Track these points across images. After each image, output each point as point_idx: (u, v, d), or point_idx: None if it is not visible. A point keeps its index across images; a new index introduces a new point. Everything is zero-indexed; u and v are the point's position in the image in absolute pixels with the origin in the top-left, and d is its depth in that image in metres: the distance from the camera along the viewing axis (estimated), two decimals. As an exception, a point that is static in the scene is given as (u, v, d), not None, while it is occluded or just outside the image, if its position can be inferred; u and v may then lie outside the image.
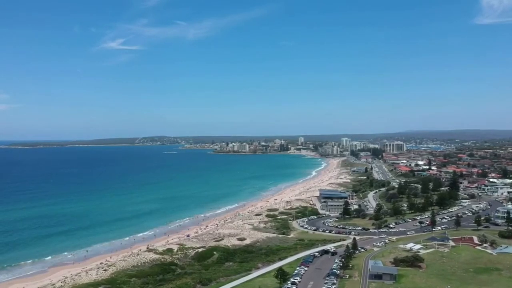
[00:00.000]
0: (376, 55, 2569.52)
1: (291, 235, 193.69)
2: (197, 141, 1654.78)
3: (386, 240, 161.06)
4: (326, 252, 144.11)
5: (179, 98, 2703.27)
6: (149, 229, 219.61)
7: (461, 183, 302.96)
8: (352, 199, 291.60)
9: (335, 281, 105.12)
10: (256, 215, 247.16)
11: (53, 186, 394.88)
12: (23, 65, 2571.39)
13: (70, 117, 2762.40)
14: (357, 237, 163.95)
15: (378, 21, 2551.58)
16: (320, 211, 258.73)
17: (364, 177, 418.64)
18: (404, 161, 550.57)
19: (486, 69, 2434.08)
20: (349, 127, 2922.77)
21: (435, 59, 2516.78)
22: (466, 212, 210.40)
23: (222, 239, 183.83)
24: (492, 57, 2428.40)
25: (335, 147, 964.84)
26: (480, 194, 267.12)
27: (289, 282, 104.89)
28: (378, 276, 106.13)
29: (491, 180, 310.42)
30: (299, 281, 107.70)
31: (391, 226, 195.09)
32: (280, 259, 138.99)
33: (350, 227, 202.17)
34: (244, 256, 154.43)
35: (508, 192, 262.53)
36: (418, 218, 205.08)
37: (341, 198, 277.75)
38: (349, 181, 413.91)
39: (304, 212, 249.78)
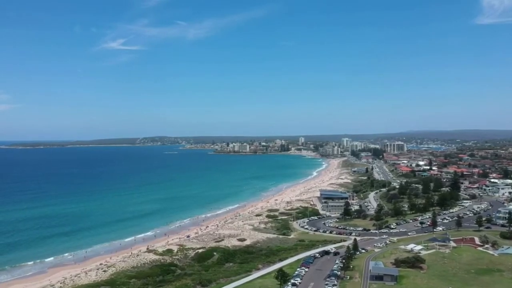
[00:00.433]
0: (376, 55, 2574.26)
1: (292, 236, 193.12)
2: (197, 141, 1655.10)
3: (387, 241, 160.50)
4: (326, 253, 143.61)
5: (180, 98, 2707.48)
6: (149, 230, 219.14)
7: (462, 183, 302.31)
8: (353, 199, 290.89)
9: (335, 282, 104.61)
10: (257, 215, 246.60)
11: (53, 187, 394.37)
12: (23, 65, 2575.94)
13: (70, 117, 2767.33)
14: (358, 238, 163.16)
15: (378, 21, 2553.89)
16: (321, 212, 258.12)
17: (365, 178, 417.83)
18: (405, 161, 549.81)
19: (487, 69, 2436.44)
20: (350, 127, 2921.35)
21: (436, 59, 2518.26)
22: (467, 213, 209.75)
23: (222, 239, 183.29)
24: (493, 57, 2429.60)
25: (336, 147, 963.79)
26: (481, 194, 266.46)
27: (289, 283, 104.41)
28: (379, 277, 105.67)
29: (492, 180, 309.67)
30: (300, 282, 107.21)
31: (392, 226, 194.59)
32: (281, 260, 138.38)
33: (351, 228, 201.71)
34: (244, 257, 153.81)
35: (509, 193, 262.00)
36: (419, 219, 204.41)
37: (342, 198, 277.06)
38: (349, 181, 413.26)
39: (305, 212, 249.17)
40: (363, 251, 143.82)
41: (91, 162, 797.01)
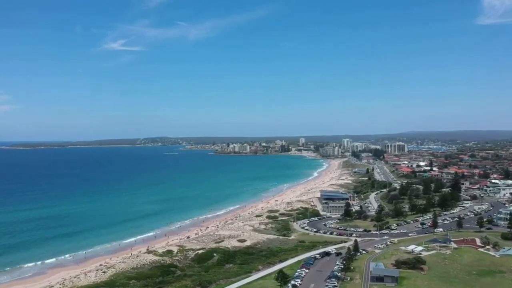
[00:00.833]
0: (377, 55, 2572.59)
1: (292, 237, 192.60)
2: (198, 142, 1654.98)
3: (388, 242, 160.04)
4: (327, 254, 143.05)
5: (180, 99, 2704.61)
6: (149, 231, 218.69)
7: (463, 184, 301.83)
8: (353, 200, 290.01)
9: (336, 284, 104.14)
10: (257, 216, 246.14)
11: (53, 187, 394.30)
12: (24, 66, 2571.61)
13: (71, 117, 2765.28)
14: (359, 239, 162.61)
15: (379, 22, 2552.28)
16: (321, 213, 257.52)
17: (366, 178, 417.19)
18: (405, 162, 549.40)
19: (488, 69, 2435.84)
20: (350, 128, 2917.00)
21: (436, 59, 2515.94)
22: (468, 214, 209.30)
23: (222, 240, 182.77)
24: (494, 57, 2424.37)
25: (336, 148, 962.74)
26: (482, 195, 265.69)
27: (289, 285, 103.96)
28: (379, 279, 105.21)
29: (493, 181, 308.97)
30: (300, 284, 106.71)
31: (392, 227, 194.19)
32: (281, 261, 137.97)
33: (352, 229, 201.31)
34: (245, 258, 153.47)
35: (511, 193, 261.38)
36: (420, 220, 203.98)
37: (342, 199, 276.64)
38: (350, 182, 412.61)
39: (305, 213, 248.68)
40: (363, 252, 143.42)
41: (91, 162, 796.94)
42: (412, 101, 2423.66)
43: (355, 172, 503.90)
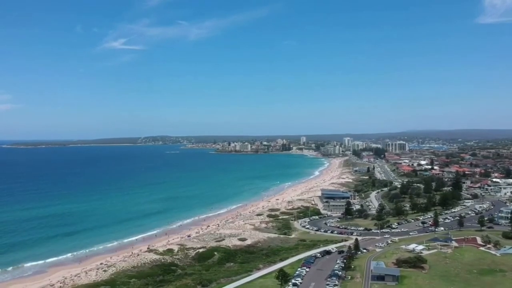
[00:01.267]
0: (377, 54, 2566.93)
1: (293, 236, 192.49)
2: (199, 140, 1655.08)
3: (389, 241, 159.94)
4: (328, 252, 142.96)
5: (181, 98, 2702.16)
6: (150, 229, 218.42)
7: (464, 183, 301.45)
8: (354, 199, 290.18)
9: (337, 282, 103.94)
10: (258, 215, 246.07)
11: (55, 186, 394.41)
12: (25, 65, 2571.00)
13: (72, 117, 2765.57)
14: (359, 238, 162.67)
15: (380, 21, 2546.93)
16: (322, 211, 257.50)
17: (366, 177, 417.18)
18: (406, 160, 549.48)
19: (489, 68, 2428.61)
20: (352, 126, 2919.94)
21: (437, 58, 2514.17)
22: (469, 213, 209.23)
23: (223, 239, 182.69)
24: (495, 56, 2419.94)
25: (337, 146, 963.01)
26: (483, 194, 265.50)
27: (290, 284, 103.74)
28: (380, 278, 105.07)
29: (494, 180, 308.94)
30: (301, 282, 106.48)
31: (393, 226, 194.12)
32: (281, 260, 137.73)
33: (352, 228, 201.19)
34: (245, 257, 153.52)
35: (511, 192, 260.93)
36: (421, 219, 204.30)
37: (343, 198, 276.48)
38: (351, 181, 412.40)
39: (306, 212, 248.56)
40: (364, 251, 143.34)
41: (92, 161, 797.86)
42: (413, 100, 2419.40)
43: (356, 171, 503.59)
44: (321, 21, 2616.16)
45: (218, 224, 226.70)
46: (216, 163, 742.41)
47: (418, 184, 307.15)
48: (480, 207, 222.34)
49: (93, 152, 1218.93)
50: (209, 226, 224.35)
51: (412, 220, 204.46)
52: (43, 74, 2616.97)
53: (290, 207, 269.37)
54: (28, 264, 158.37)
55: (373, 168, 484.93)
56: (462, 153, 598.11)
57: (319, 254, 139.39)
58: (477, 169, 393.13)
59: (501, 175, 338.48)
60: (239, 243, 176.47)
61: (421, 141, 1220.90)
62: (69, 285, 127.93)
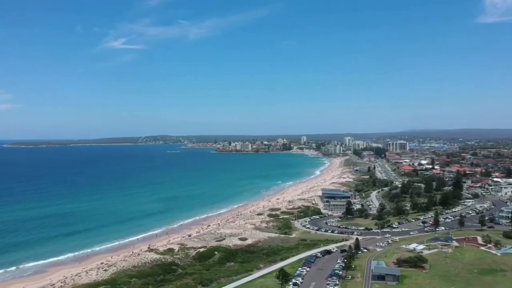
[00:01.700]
0: (378, 54, 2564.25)
1: (293, 235, 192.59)
2: (199, 140, 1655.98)
3: (389, 241, 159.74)
4: (328, 252, 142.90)
5: (182, 97, 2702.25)
6: (150, 229, 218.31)
7: (464, 182, 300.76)
8: (355, 198, 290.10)
9: (337, 282, 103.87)
10: (258, 214, 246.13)
11: (55, 186, 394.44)
12: (26, 64, 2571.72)
13: (72, 116, 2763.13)
14: (360, 237, 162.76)
15: (381, 21, 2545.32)
16: (323, 211, 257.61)
17: (367, 177, 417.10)
18: (407, 160, 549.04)
19: (490, 68, 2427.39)
20: (352, 126, 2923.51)
21: (438, 58, 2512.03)
22: (470, 212, 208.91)
23: (224, 239, 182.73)
24: (495, 56, 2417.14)
25: (338, 146, 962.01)
26: (483, 193, 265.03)
27: (290, 283, 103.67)
28: (380, 277, 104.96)
29: (494, 179, 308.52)
30: (301, 282, 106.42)
31: (394, 226, 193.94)
32: (282, 260, 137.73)
33: (353, 227, 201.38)
34: (246, 257, 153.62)
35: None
36: (421, 218, 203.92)
37: (344, 197, 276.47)
38: (351, 180, 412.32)
39: (307, 211, 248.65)
40: (365, 250, 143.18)
41: (93, 161, 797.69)
42: (413, 99, 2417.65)
43: (356, 170, 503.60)
44: (321, 21, 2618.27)
45: (218, 224, 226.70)
46: (217, 163, 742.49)
47: (418, 184, 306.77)
48: (481, 206, 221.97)
49: (94, 151, 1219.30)
50: (209, 225, 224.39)
51: (413, 220, 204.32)
52: (43, 74, 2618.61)
53: (291, 206, 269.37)
54: (29, 264, 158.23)
55: (374, 168, 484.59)
56: (462, 153, 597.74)
57: (319, 254, 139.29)
58: (478, 169, 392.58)
59: (502, 175, 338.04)
60: (239, 242, 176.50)
61: (421, 141, 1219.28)
62: (69, 285, 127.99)
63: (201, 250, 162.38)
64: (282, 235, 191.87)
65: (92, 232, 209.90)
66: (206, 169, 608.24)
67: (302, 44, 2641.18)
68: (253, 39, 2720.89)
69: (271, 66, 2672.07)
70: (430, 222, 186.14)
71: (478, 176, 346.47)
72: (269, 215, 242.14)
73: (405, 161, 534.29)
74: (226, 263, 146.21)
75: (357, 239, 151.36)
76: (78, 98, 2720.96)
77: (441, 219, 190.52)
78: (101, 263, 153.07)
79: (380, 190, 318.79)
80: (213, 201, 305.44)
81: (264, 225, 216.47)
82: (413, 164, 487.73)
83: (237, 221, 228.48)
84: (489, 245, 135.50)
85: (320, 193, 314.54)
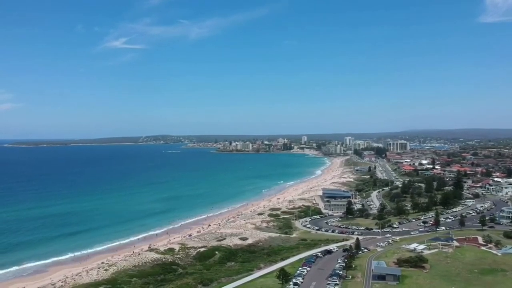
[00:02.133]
0: (379, 54, 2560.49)
1: (294, 235, 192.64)
2: (200, 140, 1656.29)
3: (390, 240, 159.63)
4: (329, 252, 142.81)
5: (182, 97, 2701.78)
6: (151, 229, 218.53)
7: (465, 182, 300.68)
8: (355, 198, 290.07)
9: (337, 282, 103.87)
10: (259, 214, 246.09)
11: (56, 186, 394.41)
12: (26, 64, 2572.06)
13: (73, 116, 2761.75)
14: (360, 237, 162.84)
15: (381, 20, 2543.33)
16: (323, 211, 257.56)
17: (368, 177, 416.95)
18: (407, 160, 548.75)
19: (490, 67, 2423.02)
20: (353, 126, 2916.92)
21: (439, 57, 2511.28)
22: (471, 212, 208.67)
23: (224, 238, 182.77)
24: (497, 55, 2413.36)
25: (339, 146, 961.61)
26: (484, 193, 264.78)
27: (291, 283, 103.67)
28: (381, 277, 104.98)
29: (495, 179, 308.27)
30: (301, 282, 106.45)
31: (394, 226, 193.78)
32: (282, 259, 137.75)
33: (353, 227, 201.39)
34: (246, 256, 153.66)
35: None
36: (422, 218, 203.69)
37: (344, 197, 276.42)
38: (352, 180, 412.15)
39: (307, 211, 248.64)
40: (365, 250, 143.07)
41: (94, 161, 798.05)
42: (414, 99, 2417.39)
43: (357, 170, 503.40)
44: (322, 21, 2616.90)
45: (219, 224, 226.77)
46: (217, 163, 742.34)
47: (419, 184, 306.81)
48: (482, 206, 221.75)
49: (95, 151, 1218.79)
50: (210, 225, 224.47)
51: (413, 220, 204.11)
52: (44, 74, 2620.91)
53: (291, 206, 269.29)
54: (30, 264, 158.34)
55: (374, 168, 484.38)
56: (463, 153, 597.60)
57: (320, 254, 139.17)
58: (479, 169, 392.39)
59: (503, 175, 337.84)
60: (240, 242, 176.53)
61: (422, 141, 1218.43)
62: (70, 284, 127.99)
63: (202, 249, 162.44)
64: (282, 235, 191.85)
65: (93, 232, 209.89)
66: (207, 168, 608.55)
67: (302, 43, 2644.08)
68: (253, 39, 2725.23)
69: (271, 66, 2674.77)
70: (431, 222, 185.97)
71: (478, 176, 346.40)
72: (270, 215, 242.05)
73: (405, 161, 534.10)
74: (227, 263, 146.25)
75: (357, 239, 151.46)
76: (78, 98, 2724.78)
77: (441, 219, 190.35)
78: (102, 263, 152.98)
79: (380, 190, 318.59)
80: (214, 200, 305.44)
81: (264, 225, 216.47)
82: (413, 164, 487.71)
83: (237, 221, 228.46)
84: (489, 245, 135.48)
85: (320, 193, 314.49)
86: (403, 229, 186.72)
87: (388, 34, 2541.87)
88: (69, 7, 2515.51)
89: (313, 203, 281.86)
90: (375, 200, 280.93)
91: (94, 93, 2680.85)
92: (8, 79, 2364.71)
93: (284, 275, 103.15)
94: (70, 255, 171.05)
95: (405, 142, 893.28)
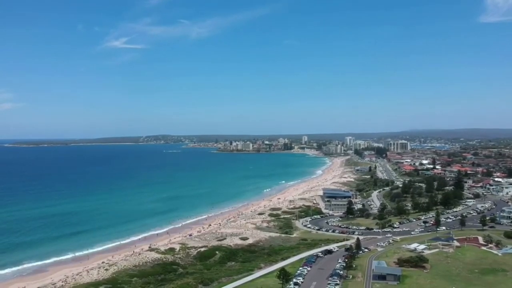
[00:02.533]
0: (379, 54, 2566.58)
1: (294, 235, 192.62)
2: (200, 139, 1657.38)
3: (390, 240, 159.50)
4: (329, 252, 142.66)
5: (183, 97, 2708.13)
6: (151, 228, 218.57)
7: (465, 182, 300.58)
8: (356, 198, 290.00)
9: (338, 282, 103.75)
10: (259, 214, 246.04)
11: (57, 186, 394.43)
12: (26, 64, 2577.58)
13: (74, 116, 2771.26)
14: (361, 237, 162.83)
15: (382, 20, 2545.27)
16: (324, 211, 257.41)
17: (368, 176, 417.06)
18: (408, 160, 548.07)
19: (491, 67, 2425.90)
20: (353, 126, 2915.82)
21: (439, 57, 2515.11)
22: (471, 212, 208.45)
23: (225, 238, 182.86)
24: (497, 55, 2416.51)
25: (339, 146, 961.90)
26: (485, 193, 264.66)
27: (291, 283, 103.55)
28: (381, 277, 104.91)
29: (496, 179, 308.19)
30: (302, 282, 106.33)
31: (395, 226, 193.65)
32: (283, 259, 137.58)
33: (354, 227, 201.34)
34: (247, 256, 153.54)
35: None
36: (423, 218, 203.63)
37: (345, 197, 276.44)
38: (352, 180, 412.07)
39: (308, 211, 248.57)
40: (366, 250, 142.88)
41: (94, 160, 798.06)
42: (415, 99, 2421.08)
43: (357, 170, 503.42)
44: (322, 20, 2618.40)
45: (219, 223, 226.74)
46: (218, 162, 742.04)
47: (420, 184, 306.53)
48: (482, 206, 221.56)
49: (95, 151, 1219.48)
50: (210, 225, 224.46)
51: (414, 220, 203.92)
52: (44, 73, 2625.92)
53: (292, 206, 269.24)
54: (30, 264, 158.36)
55: (375, 168, 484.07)
56: (464, 153, 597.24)
57: (320, 254, 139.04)
58: (479, 169, 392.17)
59: (503, 175, 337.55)
60: (240, 242, 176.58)
61: (423, 141, 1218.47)
62: (70, 284, 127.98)
63: (202, 249, 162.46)
64: (283, 235, 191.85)
65: (93, 232, 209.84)
66: (207, 168, 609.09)
67: (302, 43, 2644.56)
68: (253, 39, 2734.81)
69: (272, 66, 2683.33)
70: (431, 222, 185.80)
71: (479, 176, 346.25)
72: (270, 215, 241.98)
73: (406, 161, 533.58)
74: (227, 263, 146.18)
75: (358, 238, 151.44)
76: (79, 98, 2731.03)
77: (442, 219, 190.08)
78: (102, 262, 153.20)
79: (381, 190, 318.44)
80: (214, 200, 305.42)
81: (265, 224, 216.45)
82: (414, 164, 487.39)
83: (238, 221, 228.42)
84: (490, 245, 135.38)
85: (321, 192, 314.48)
86: (404, 229, 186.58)
87: (388, 34, 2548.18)
88: (69, 7, 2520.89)
89: (314, 203, 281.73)
90: (375, 200, 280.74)
91: (95, 93, 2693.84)
92: (8, 78, 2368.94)
93: (284, 275, 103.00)
94: (71, 255, 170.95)
95: (406, 142, 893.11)
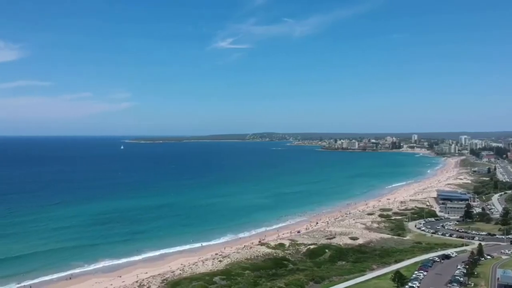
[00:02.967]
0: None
1: (407, 237, 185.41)
2: (305, 137, 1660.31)
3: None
4: (447, 257, 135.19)
5: (288, 95, 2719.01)
6: (260, 224, 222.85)
7: None
8: (474, 201, 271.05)
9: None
10: (368, 214, 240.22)
11: (179, 179, 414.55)
12: (144, 66, 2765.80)
13: (182, 116, 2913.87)
14: (482, 243, 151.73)
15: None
16: (438, 213, 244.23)
17: (487, 178, 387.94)
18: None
19: None
20: (468, 123, 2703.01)
21: None
22: None
23: (334, 237, 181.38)
24: None
25: (453, 145, 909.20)
26: None
27: (406, 286, 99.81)
28: (508, 287, 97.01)
29: None
30: (418, 286, 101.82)
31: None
32: (396, 262, 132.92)
33: (473, 232, 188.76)
34: (357, 256, 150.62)
35: None
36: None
37: (462, 200, 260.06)
38: (469, 182, 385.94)
39: (420, 213, 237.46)
40: (488, 257, 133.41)
41: (206, 155, 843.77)
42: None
43: (474, 171, 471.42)
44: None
45: (327, 222, 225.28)
46: (323, 160, 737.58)
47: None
48: None
49: (205, 147, 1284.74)
50: (317, 223, 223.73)
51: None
52: (157, 74, 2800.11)
53: (403, 207, 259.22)
54: (151, 251, 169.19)
55: (494, 169, 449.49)
56: None
57: (437, 258, 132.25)
58: None
59: None
60: (350, 241, 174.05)
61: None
62: (187, 273, 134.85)
63: (312, 247, 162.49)
64: (395, 237, 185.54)
65: (205, 225, 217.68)
66: (312, 165, 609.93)
67: (412, 36, 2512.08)
68: (358, 33, 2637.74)
69: (380, 59, 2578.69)
70: None
71: None
72: (380, 215, 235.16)
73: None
74: (337, 262, 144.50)
75: (480, 244, 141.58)
76: (188, 98, 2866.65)
77: None
78: (216, 254, 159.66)
79: (502, 193, 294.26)
80: (320, 198, 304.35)
81: (375, 225, 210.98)
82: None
83: (346, 220, 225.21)
84: None
85: (434, 194, 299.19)
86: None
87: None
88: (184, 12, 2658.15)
89: (427, 205, 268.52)
90: (496, 204, 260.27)
91: (205, 92, 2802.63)
92: (124, 80, 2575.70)
93: (399, 278, 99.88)
94: (186, 246, 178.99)
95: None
